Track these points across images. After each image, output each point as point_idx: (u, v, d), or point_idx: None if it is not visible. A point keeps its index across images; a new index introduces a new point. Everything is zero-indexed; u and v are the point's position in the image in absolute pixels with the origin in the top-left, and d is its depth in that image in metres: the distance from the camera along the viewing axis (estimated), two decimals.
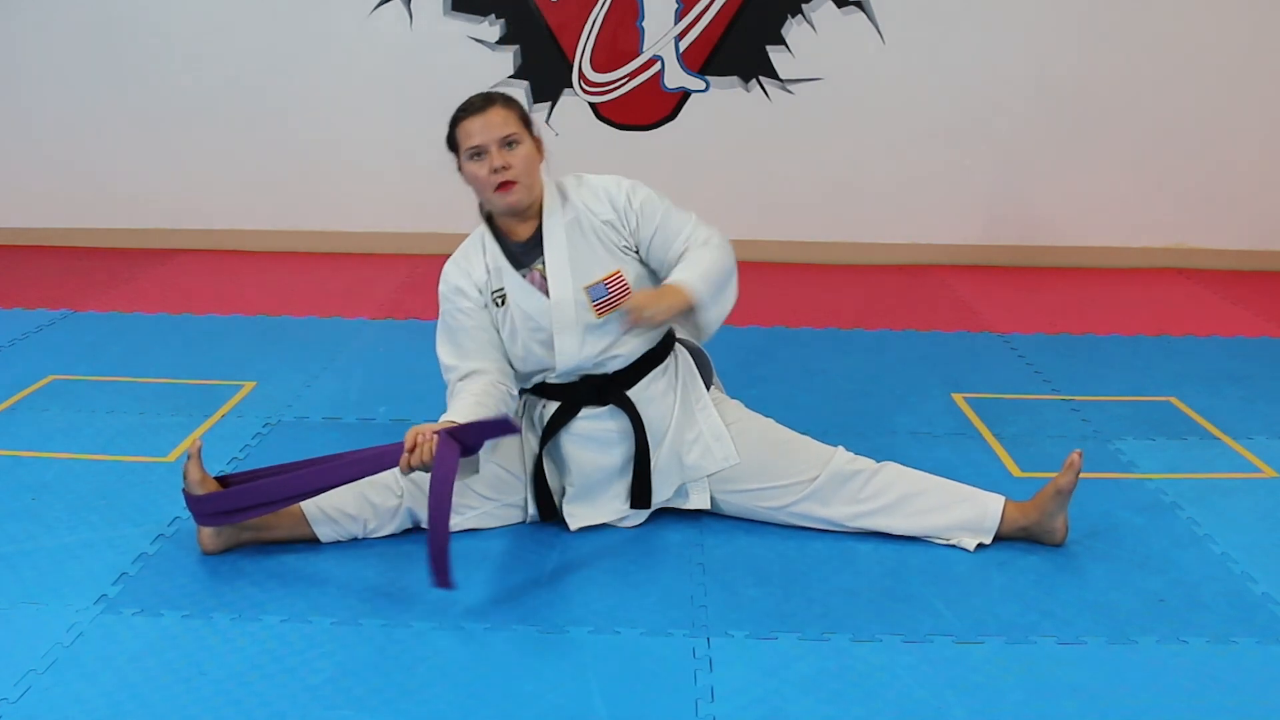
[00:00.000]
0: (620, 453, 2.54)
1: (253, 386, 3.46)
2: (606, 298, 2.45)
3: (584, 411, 2.52)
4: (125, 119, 5.11)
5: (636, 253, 2.52)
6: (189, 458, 2.37)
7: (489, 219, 2.54)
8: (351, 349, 3.86)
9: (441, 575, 2.19)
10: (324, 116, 5.09)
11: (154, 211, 5.26)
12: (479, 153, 2.39)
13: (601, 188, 2.52)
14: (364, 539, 2.51)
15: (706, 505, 2.60)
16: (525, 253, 2.49)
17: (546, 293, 2.46)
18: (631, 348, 2.51)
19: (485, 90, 2.49)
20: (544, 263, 2.46)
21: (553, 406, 2.54)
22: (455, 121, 2.44)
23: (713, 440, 2.56)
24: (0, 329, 3.97)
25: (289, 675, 2.04)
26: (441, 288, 2.53)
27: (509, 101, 2.45)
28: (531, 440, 2.58)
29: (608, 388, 2.51)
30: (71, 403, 3.31)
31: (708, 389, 2.63)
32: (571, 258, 2.46)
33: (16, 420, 3.18)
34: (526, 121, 2.46)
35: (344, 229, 5.25)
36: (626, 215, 2.50)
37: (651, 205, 2.51)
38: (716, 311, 2.46)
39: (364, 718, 1.93)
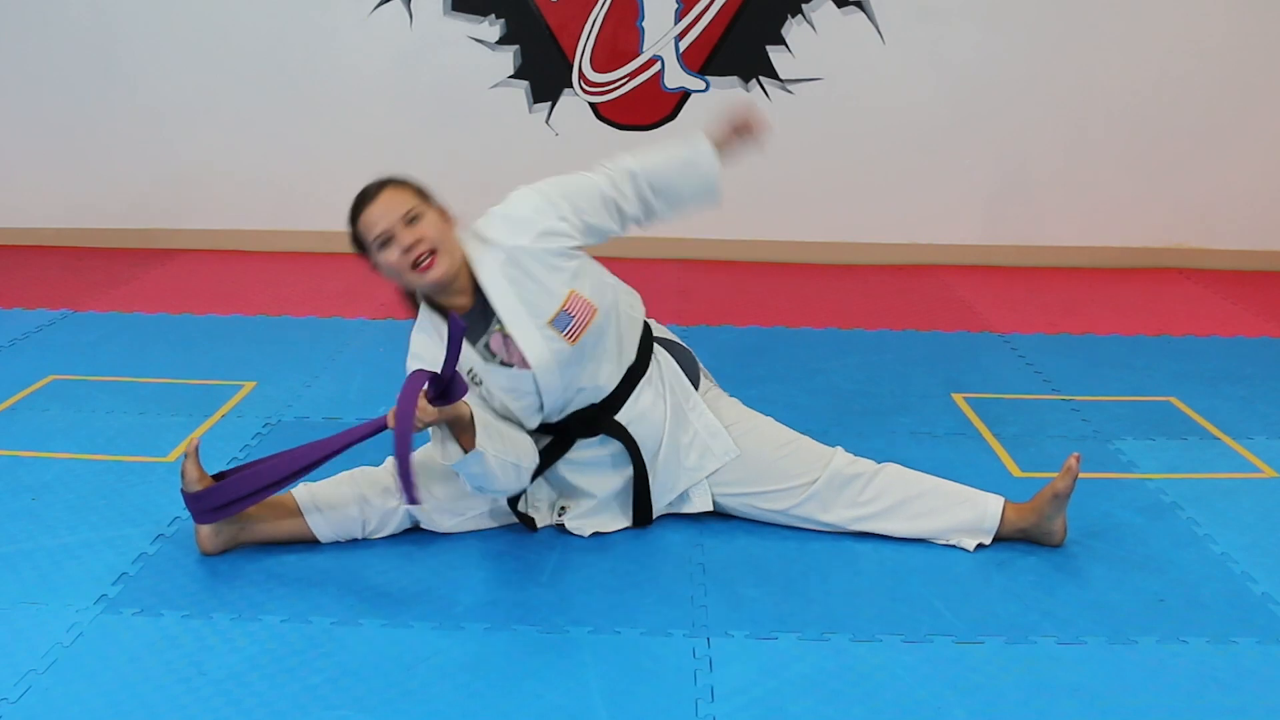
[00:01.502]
0: (619, 476, 2.54)
1: (253, 386, 3.46)
2: (573, 322, 2.35)
3: (578, 442, 2.51)
4: (126, 119, 5.11)
5: (580, 247, 2.39)
6: (187, 457, 2.36)
7: (428, 301, 2.40)
8: (351, 349, 3.86)
9: (409, 489, 2.18)
10: (324, 116, 5.09)
11: (154, 211, 5.26)
12: (386, 240, 2.27)
13: (515, 213, 2.37)
14: (363, 539, 2.51)
15: (709, 507, 2.59)
16: (475, 322, 2.37)
17: (512, 352, 2.36)
18: (608, 373, 2.46)
19: (374, 182, 2.35)
20: (500, 322, 2.35)
21: (545, 439, 2.51)
22: (354, 219, 2.32)
23: (710, 438, 2.54)
24: (0, 329, 3.97)
25: (289, 675, 2.03)
26: (412, 362, 2.35)
27: (399, 182, 2.34)
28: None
29: (597, 416, 2.48)
30: (71, 403, 3.31)
31: (696, 384, 2.60)
32: (523, 301, 2.33)
33: (16, 420, 3.18)
34: (424, 195, 2.34)
35: (344, 229, 5.23)
36: (557, 224, 2.35)
37: (571, 199, 2.38)
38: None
39: (364, 718, 1.93)
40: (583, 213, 2.40)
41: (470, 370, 2.37)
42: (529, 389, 2.38)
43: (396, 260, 2.27)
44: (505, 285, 2.34)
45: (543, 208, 2.37)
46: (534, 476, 2.50)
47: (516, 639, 2.16)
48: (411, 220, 2.28)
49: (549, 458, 2.51)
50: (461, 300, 2.37)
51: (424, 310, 2.41)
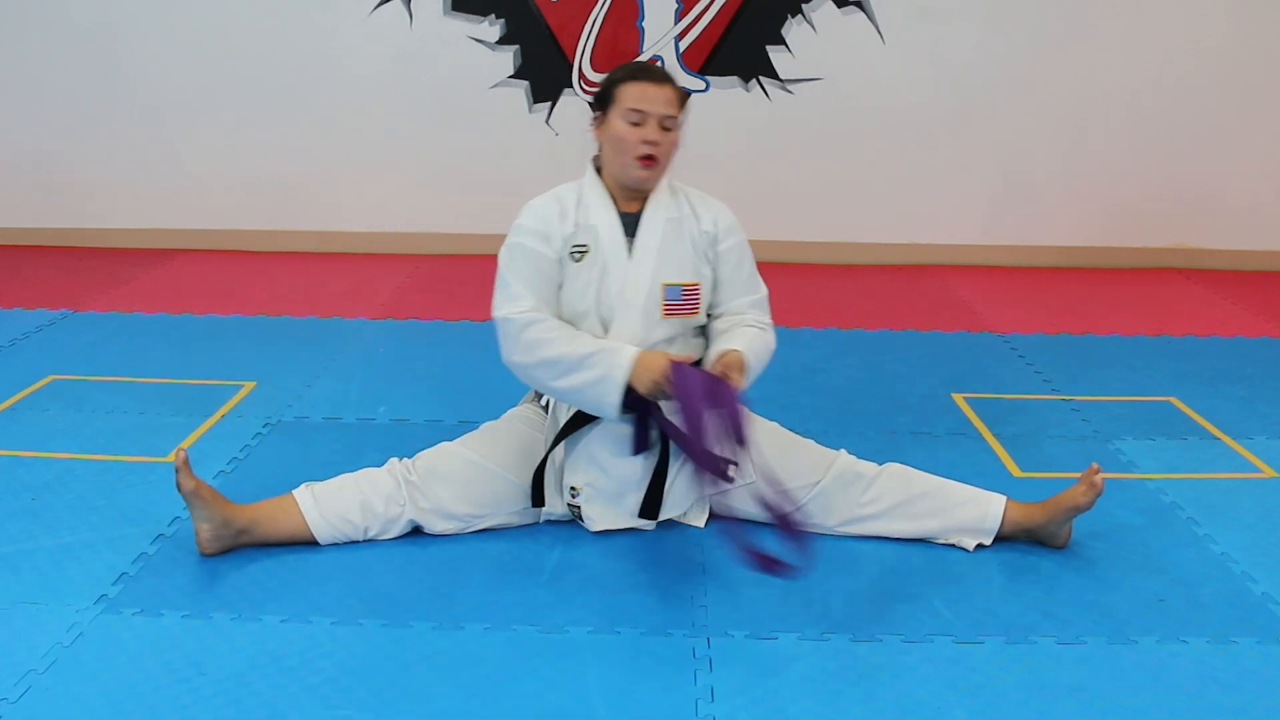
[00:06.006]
0: (641, 462, 2.49)
1: (253, 386, 3.46)
2: (678, 303, 2.48)
3: None
4: (125, 119, 5.12)
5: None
6: (177, 470, 2.34)
7: (599, 172, 2.52)
8: (351, 349, 3.86)
9: (719, 468, 2.23)
10: (324, 116, 5.10)
11: (154, 211, 5.27)
12: (639, 122, 2.39)
13: (714, 205, 2.57)
14: (364, 541, 2.51)
15: (702, 525, 2.58)
16: (624, 226, 2.50)
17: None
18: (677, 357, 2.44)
19: (659, 66, 2.48)
20: (634, 246, 2.47)
21: None
22: (627, 79, 2.41)
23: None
24: (0, 329, 3.97)
25: (289, 675, 2.03)
26: (526, 219, 2.46)
27: (678, 86, 2.46)
28: (549, 432, 2.53)
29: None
30: (71, 403, 3.31)
31: None
32: (661, 250, 2.47)
33: (16, 420, 3.18)
34: (685, 110, 2.47)
35: (344, 229, 5.26)
36: (718, 242, 2.52)
37: (740, 251, 2.55)
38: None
39: (364, 718, 1.93)
40: (717, 279, 2.54)
41: (584, 245, 2.45)
42: (619, 282, 2.44)
43: (632, 141, 2.39)
44: (659, 230, 2.48)
45: (722, 235, 2.53)
46: (560, 438, 2.50)
47: (516, 639, 2.16)
48: (667, 126, 2.41)
49: (579, 420, 2.48)
50: (628, 204, 2.50)
51: (574, 185, 2.51)
